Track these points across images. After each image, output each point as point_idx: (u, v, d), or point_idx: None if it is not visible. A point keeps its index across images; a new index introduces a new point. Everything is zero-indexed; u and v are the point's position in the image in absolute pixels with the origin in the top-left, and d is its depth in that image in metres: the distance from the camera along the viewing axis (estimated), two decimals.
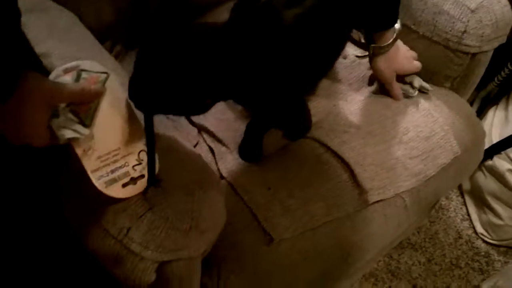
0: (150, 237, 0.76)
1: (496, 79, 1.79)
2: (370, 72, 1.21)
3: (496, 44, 1.18)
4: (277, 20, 0.86)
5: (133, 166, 0.75)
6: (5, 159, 0.80)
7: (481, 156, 1.29)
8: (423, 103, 1.18)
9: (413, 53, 1.17)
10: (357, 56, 1.27)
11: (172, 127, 1.12)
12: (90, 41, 1.05)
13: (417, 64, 1.17)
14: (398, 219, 1.10)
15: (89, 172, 0.72)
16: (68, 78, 0.76)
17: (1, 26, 0.58)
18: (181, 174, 0.82)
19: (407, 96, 1.18)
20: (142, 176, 0.75)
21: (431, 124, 1.15)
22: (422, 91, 1.20)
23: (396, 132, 1.13)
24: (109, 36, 1.24)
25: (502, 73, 1.77)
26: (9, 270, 1.15)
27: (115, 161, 0.74)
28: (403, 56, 1.15)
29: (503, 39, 1.19)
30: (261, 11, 0.86)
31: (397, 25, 1.10)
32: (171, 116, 1.13)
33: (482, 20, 1.12)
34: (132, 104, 0.78)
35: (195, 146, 1.10)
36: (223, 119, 1.14)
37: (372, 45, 1.10)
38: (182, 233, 0.77)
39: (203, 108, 0.81)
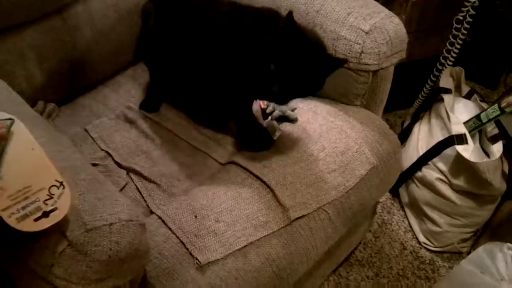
0: (72, 271, 0.80)
1: (420, 95, 1.92)
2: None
3: (395, 60, 1.28)
4: None
5: (44, 201, 0.80)
6: None
7: (400, 164, 1.38)
8: (336, 122, 1.27)
9: None
10: None
11: (104, 173, 1.17)
12: (16, 102, 1.11)
13: None
14: (324, 231, 1.16)
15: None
16: None
17: None
18: (101, 210, 0.87)
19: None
20: (55, 209, 0.80)
21: (345, 139, 1.24)
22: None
23: (312, 151, 1.21)
24: (41, 96, 1.31)
25: (424, 89, 1.90)
26: None
27: (25, 198, 0.79)
28: None
29: (402, 55, 1.30)
30: None
31: None
32: (101, 162, 1.20)
33: (377, 40, 1.23)
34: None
35: (124, 187, 1.16)
36: (149, 157, 1.21)
37: None
38: (102, 263, 0.82)
39: None
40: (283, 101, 1.12)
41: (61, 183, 0.82)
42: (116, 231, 0.85)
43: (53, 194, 0.81)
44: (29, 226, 0.78)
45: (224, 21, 1.17)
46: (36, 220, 0.79)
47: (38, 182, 0.81)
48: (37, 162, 0.83)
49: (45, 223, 0.79)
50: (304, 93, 1.11)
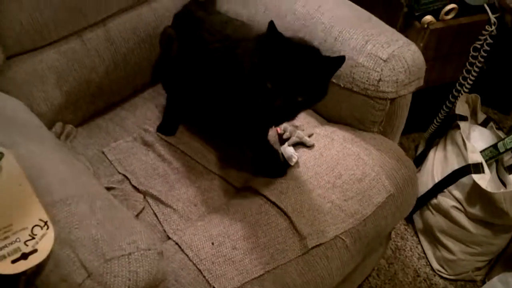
0: None
1: (435, 121, 1.91)
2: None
3: (412, 88, 1.28)
4: None
5: (25, 242, 0.77)
6: None
7: (416, 192, 1.36)
8: (353, 148, 1.26)
9: None
10: None
11: (120, 197, 1.17)
12: (34, 124, 1.12)
13: None
14: (341, 260, 1.15)
15: None
16: None
17: None
18: (119, 239, 0.87)
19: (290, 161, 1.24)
20: (35, 251, 0.77)
21: (362, 166, 1.23)
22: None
23: (329, 178, 1.21)
24: (59, 117, 1.32)
25: (440, 115, 1.89)
26: None
27: (5, 238, 0.76)
28: None
29: (419, 83, 1.30)
30: None
31: None
32: (118, 186, 1.19)
33: (395, 68, 1.23)
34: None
35: (141, 211, 1.15)
36: (166, 181, 1.21)
37: None
38: None
39: None
40: (291, 115, 1.10)
41: (45, 223, 0.79)
42: (134, 260, 0.84)
43: (35, 235, 0.78)
44: (5, 268, 0.75)
45: (233, 47, 1.15)
46: (13, 262, 0.75)
47: (20, 221, 0.78)
48: (22, 199, 0.80)
49: (22, 266, 0.76)
50: (310, 102, 1.06)
